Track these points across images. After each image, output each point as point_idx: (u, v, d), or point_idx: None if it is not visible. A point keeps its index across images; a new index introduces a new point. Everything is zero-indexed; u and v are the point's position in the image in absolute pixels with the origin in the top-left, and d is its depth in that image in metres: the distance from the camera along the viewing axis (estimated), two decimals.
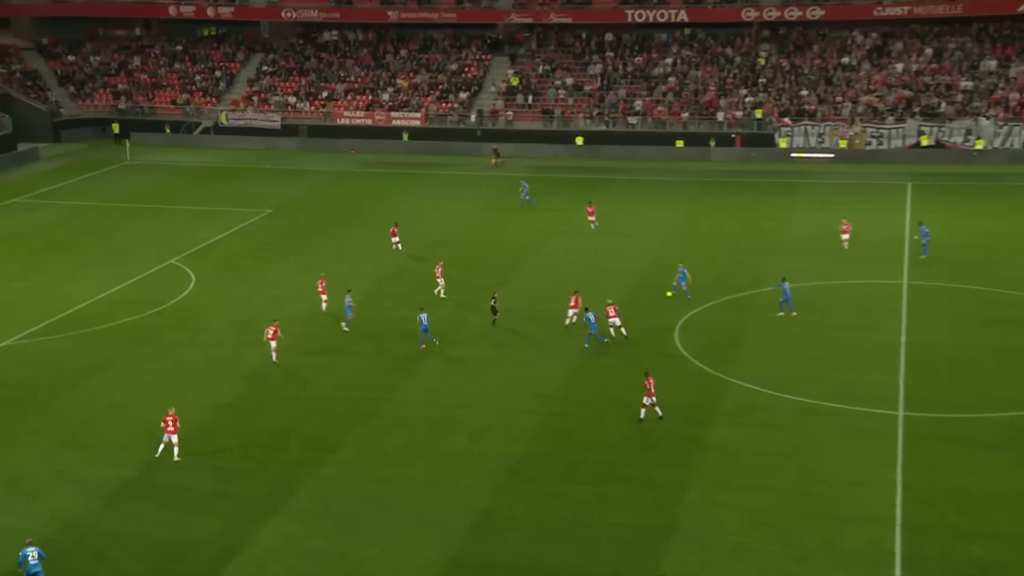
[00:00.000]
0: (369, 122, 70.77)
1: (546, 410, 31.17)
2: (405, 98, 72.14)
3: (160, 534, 25.52)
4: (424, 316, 35.60)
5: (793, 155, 61.53)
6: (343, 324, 37.04)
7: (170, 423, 28.78)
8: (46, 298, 40.86)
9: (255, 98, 73.16)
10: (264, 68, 76.32)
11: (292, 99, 72.83)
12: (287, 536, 25.50)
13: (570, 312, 36.35)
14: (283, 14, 75.63)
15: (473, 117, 70.08)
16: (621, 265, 43.51)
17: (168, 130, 72.33)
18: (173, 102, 74.02)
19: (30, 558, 23.19)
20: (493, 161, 64.50)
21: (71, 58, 77.67)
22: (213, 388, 33.25)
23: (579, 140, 67.39)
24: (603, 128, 67.77)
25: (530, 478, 27.44)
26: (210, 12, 75.79)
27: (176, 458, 28.49)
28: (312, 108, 72.20)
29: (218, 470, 28.25)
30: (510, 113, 70.00)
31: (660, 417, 29.57)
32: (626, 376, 32.43)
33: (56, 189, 59.55)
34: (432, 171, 63.82)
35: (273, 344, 34.38)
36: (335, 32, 78.60)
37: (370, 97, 72.64)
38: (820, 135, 62.70)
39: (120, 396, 32.64)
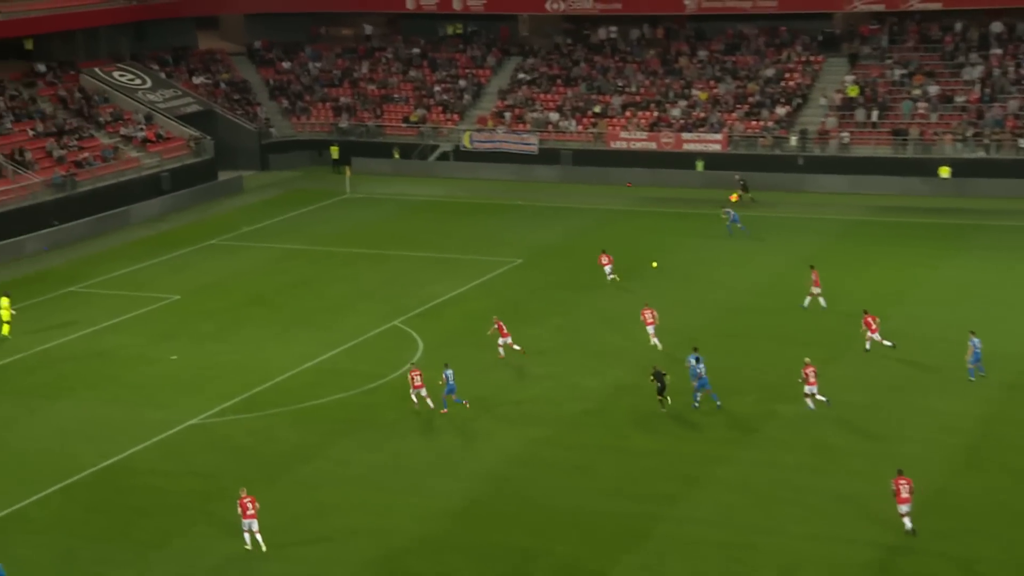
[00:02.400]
0: (653, 146, 71.07)
1: (883, 542, 29.88)
2: (702, 114, 71.93)
3: None
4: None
5: None
6: (441, 405, 38.61)
7: (249, 506, 30.54)
8: (243, 365, 43.29)
9: (507, 115, 75.40)
10: (520, 76, 78.61)
11: (554, 116, 74.46)
12: None
13: None
14: (547, 6, 77.82)
15: (793, 140, 68.81)
16: (1010, 347, 41.26)
17: (397, 155, 75.79)
18: (405, 119, 77.63)
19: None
20: (734, 197, 63.02)
21: (286, 65, 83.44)
22: (440, 489, 33.82)
23: (944, 171, 64.55)
24: (981, 155, 64.59)
25: None
26: (456, 5, 79.17)
27: (263, 547, 30.25)
28: (579, 128, 73.49)
29: None
30: (845, 134, 68.17)
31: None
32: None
33: (261, 229, 63.57)
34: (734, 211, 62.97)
35: (422, 392, 38.25)
36: (613, 29, 79.84)
37: (655, 113, 73.02)
38: None
39: (326, 495, 33.77)
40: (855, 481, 32.85)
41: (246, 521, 30.81)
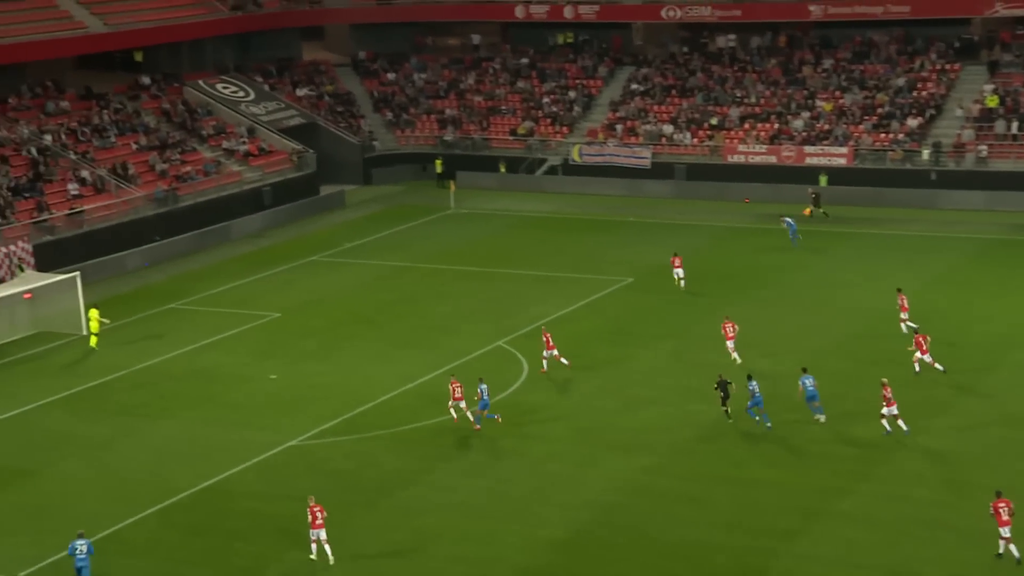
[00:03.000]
0: (773, 159, 70.52)
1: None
2: (826, 126, 71.15)
3: None
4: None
5: None
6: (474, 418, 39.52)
7: (318, 515, 31.59)
8: (343, 386, 43.90)
9: (619, 127, 75.41)
10: (633, 86, 78.58)
11: (668, 128, 74.28)
12: None
13: None
14: (663, 13, 77.75)
15: (926, 154, 67.73)
16: None
17: (503, 169, 76.20)
18: (512, 132, 78.05)
19: (78, 551, 30.64)
20: (807, 211, 62.45)
21: (391, 76, 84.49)
22: (545, 517, 33.87)
23: None
24: None
25: None
26: (567, 13, 79.52)
27: (331, 560, 31.32)
28: (695, 140, 73.23)
29: None
30: (983, 147, 66.87)
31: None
32: None
33: (363, 245, 64.35)
34: (861, 229, 62.13)
35: (461, 404, 39.25)
36: (732, 37, 79.46)
37: (776, 125, 72.47)
38: None
39: (426, 522, 34.02)
40: (991, 519, 32.11)
41: (314, 531, 31.65)
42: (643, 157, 72.68)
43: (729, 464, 36.46)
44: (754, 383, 38.69)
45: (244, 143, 72.07)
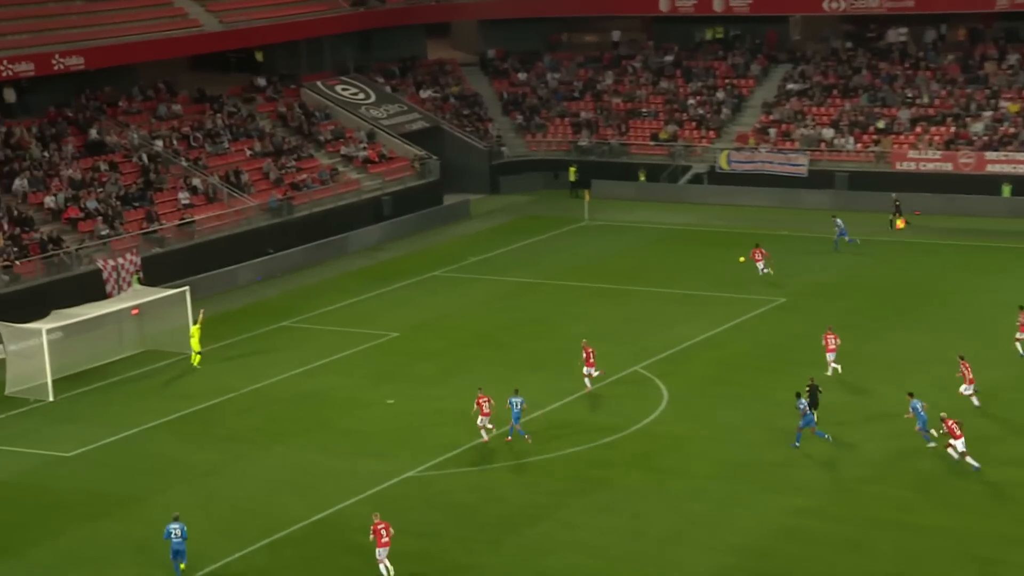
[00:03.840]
0: (948, 167, 69.02)
1: None
2: (1011, 130, 69.36)
3: None
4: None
5: None
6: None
7: (383, 533, 32.85)
8: (466, 412, 43.72)
9: (772, 131, 74.56)
10: (789, 86, 77.69)
11: (828, 132, 73.22)
12: None
13: None
14: (825, 5, 76.68)
15: None
16: None
17: (643, 177, 75.82)
18: (654, 137, 77.66)
19: (174, 535, 33.18)
20: (900, 224, 62.11)
21: (522, 76, 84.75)
22: (686, 562, 33.51)
23: None
24: None
25: None
26: (717, 6, 78.88)
27: None
28: (858, 146, 72.04)
29: None
30: None
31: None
32: None
33: (489, 259, 64.48)
34: None
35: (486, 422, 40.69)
36: (904, 30, 78.01)
37: (953, 129, 70.92)
38: None
39: (554, 562, 33.84)
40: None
41: (380, 550, 32.81)
42: (799, 164, 71.71)
43: (894, 507, 35.61)
44: (803, 402, 39.47)
45: (363, 149, 72.87)
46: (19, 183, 60.54)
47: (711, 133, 76.19)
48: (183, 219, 62.42)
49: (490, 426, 41.16)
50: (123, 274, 57.76)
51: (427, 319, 55.00)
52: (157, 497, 38.52)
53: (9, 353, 48.65)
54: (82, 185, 61.82)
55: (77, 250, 57.85)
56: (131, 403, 46.90)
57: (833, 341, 45.11)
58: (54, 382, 47.56)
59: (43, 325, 48.08)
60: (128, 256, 58.19)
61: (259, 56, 76.90)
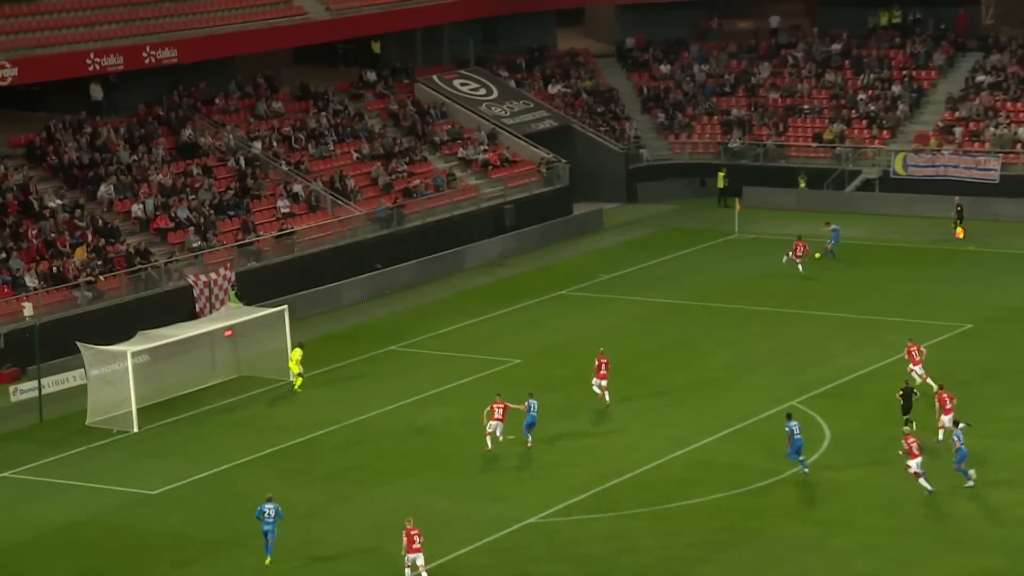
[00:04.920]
0: None
1: None
2: None
3: None
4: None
5: None
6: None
7: (415, 539, 34.87)
8: (597, 451, 43.55)
9: (958, 130, 73.28)
10: (980, 78, 76.41)
11: None
12: None
13: None
14: None
15: None
16: None
17: (804, 184, 74.98)
18: (817, 138, 76.71)
19: (266, 515, 36.50)
20: (959, 233, 63.06)
21: (664, 68, 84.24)
22: None
23: None
24: None
25: None
26: None
27: None
28: None
29: None
30: None
31: None
32: None
33: (623, 277, 64.14)
34: None
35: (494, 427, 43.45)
36: None
37: None
38: None
39: None
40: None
41: (410, 555, 34.88)
42: (990, 169, 70.43)
43: None
44: (793, 423, 40.85)
45: (484, 151, 72.98)
46: (104, 189, 61.60)
47: (884, 133, 75.08)
48: (282, 230, 63.01)
49: (500, 436, 43.55)
50: (216, 291, 58.35)
51: (553, 344, 54.82)
52: (251, 541, 38.56)
53: (91, 379, 49.37)
54: (173, 192, 62.70)
55: (166, 264, 58.67)
56: (223, 436, 47.30)
57: (918, 352, 46.43)
58: (139, 411, 48.13)
59: (128, 348, 48.75)
60: (221, 271, 58.82)
61: (376, 47, 77.28)
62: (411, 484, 42.34)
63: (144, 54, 65.16)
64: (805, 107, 78.34)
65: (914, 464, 38.79)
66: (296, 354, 50.58)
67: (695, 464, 42.37)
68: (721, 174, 76.06)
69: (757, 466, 41.84)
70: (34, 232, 57.60)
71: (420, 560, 34.94)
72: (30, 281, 55.15)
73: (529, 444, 44.06)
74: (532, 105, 78.30)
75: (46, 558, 38.39)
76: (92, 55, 63.31)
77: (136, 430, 47.71)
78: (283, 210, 64.21)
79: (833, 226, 63.45)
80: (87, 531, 40.18)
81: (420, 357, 54.15)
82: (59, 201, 59.94)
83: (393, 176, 68.90)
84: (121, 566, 37.88)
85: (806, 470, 40.75)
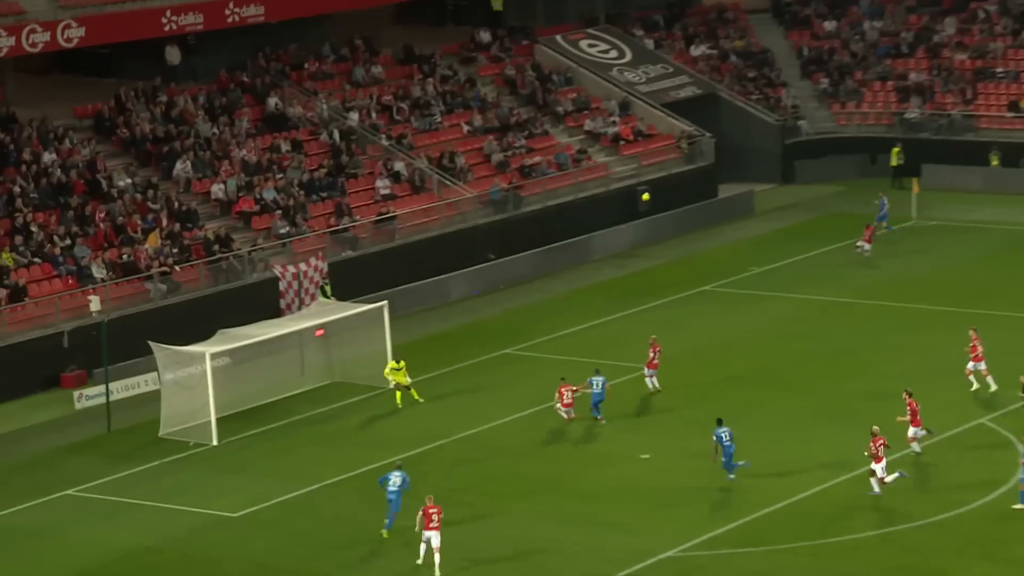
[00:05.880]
0: None
1: None
2: None
3: None
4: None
5: None
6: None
7: (434, 517, 37.58)
8: (747, 476, 43.29)
9: None
10: None
11: None
12: None
13: None
14: None
15: None
16: None
17: (996, 161, 74.48)
18: (1012, 106, 75.79)
19: (391, 483, 40.06)
20: None
21: (828, 25, 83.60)
22: None
23: None
24: None
25: None
26: None
27: (437, 572, 37.15)
28: None
29: None
30: None
31: None
32: None
33: (777, 270, 64.07)
34: None
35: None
36: None
37: None
38: None
39: None
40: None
41: (427, 533, 37.61)
42: None
43: None
44: (722, 430, 42.87)
45: (614, 123, 72.89)
46: (181, 167, 62.30)
47: None
48: (381, 214, 63.35)
49: (564, 414, 47.58)
50: (306, 284, 58.77)
51: (694, 348, 54.77)
52: (345, 574, 38.91)
53: (165, 383, 49.96)
54: (258, 170, 63.28)
55: (250, 253, 59.24)
56: (313, 451, 47.69)
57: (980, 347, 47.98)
58: (218, 421, 48.64)
59: (207, 348, 49.21)
60: (312, 261, 59.27)
61: (498, 3, 77.20)
62: (527, 509, 42.37)
63: (227, 12, 65.69)
64: (998, 70, 77.43)
65: (879, 468, 41.49)
66: (395, 369, 50.46)
67: (860, 492, 41.94)
68: (896, 150, 75.63)
69: (935, 496, 41.55)
70: (101, 215, 58.43)
71: (436, 540, 37.58)
72: (97, 271, 55.95)
73: (601, 420, 47.71)
74: (671, 70, 78.11)
75: None
76: (168, 13, 63.84)
77: (215, 443, 48.26)
78: (383, 191, 64.59)
79: (883, 197, 64.61)
80: (159, 558, 40.59)
81: (539, 362, 54.26)
82: (129, 180, 60.80)
83: (509, 152, 69.03)
84: None
85: (732, 476, 42.89)
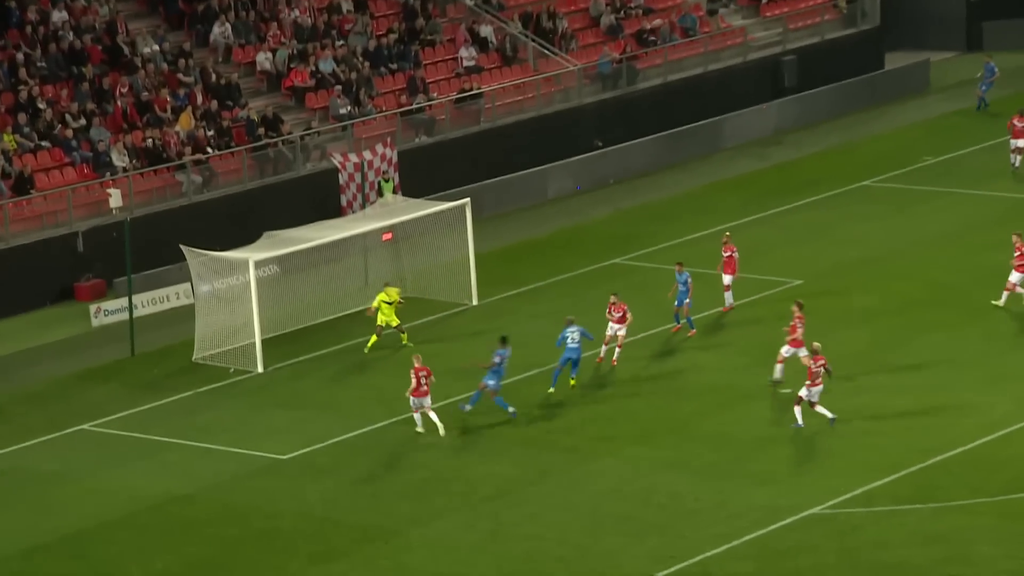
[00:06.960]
0: None
1: None
2: None
3: None
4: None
5: None
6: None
7: (423, 380, 42.77)
8: (913, 413, 43.59)
9: None
10: None
11: None
12: None
13: None
14: None
15: None
16: None
17: None
18: None
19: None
20: None
21: None
22: None
23: None
24: None
25: None
26: None
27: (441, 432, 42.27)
28: None
29: None
30: None
31: None
32: None
33: (959, 160, 64.24)
34: None
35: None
36: None
37: None
38: None
39: None
40: None
41: (416, 399, 42.56)
42: None
43: None
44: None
45: None
46: (219, 31, 62.51)
47: None
48: (464, 91, 63.41)
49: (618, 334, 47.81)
50: (371, 177, 58.67)
51: (853, 259, 55.06)
52: (415, 530, 39.19)
53: (200, 296, 50.49)
54: (313, 36, 63.37)
55: (303, 138, 59.49)
56: (379, 380, 48.12)
57: None
58: (264, 343, 49.12)
59: (251, 255, 49.50)
60: (379, 149, 59.22)
61: None
62: (640, 454, 42.72)
63: None
64: None
65: (809, 392, 43.02)
66: (392, 295, 50.13)
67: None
68: None
69: None
70: (123, 89, 58.65)
71: (427, 402, 42.82)
72: (117, 159, 56.29)
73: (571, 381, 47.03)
74: None
75: (140, 545, 39.23)
76: None
77: (260, 370, 48.86)
78: (466, 63, 64.61)
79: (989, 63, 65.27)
80: (195, 509, 41.01)
81: (656, 274, 54.31)
82: (157, 47, 60.88)
83: (623, 14, 68.83)
84: (240, 559, 38.57)
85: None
